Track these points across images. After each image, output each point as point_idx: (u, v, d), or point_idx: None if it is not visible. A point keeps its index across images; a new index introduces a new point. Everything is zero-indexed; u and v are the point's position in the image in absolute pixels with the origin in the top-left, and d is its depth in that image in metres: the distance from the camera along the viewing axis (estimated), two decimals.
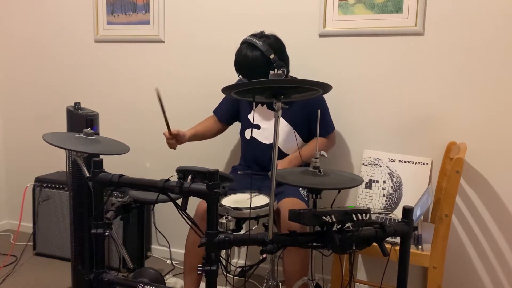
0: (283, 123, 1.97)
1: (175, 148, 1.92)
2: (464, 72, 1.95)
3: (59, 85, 2.75)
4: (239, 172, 2.04)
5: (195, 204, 1.78)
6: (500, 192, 1.96)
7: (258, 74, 1.78)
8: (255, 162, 2.03)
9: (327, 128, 2.01)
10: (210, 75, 2.38)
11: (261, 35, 1.87)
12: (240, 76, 1.89)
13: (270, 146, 1.98)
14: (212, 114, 2.15)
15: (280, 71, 1.29)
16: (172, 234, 2.57)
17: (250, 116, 2.04)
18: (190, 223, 1.34)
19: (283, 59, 1.88)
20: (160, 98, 1.61)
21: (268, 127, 1.99)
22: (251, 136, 2.02)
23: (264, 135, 1.99)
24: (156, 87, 1.62)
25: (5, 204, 3.02)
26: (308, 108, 1.95)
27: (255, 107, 2.03)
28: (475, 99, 1.95)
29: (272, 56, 1.81)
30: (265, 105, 2.01)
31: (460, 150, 1.67)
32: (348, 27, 2.08)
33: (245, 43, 1.86)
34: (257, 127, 2.00)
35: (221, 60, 2.35)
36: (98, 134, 2.07)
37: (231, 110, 2.10)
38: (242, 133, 2.09)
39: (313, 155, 1.38)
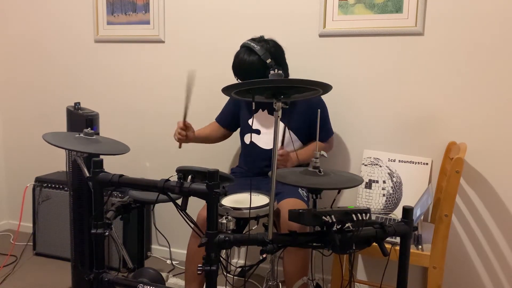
0: (281, 126, 1.96)
1: (180, 145, 1.92)
2: (464, 72, 1.95)
3: (59, 85, 2.75)
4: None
5: (195, 204, 1.78)
6: (500, 192, 1.96)
7: (254, 78, 1.79)
8: (253, 166, 2.03)
9: (327, 133, 2.02)
10: (210, 75, 2.38)
11: (260, 40, 1.89)
12: (238, 80, 1.91)
13: (268, 152, 1.98)
14: (214, 121, 2.16)
15: (280, 71, 1.28)
16: (172, 234, 2.57)
17: (250, 121, 2.04)
18: (190, 223, 1.34)
19: (281, 65, 1.89)
20: (191, 83, 1.58)
21: (268, 132, 1.99)
22: (251, 141, 2.03)
23: (263, 140, 1.99)
24: (193, 70, 1.60)
25: (5, 204, 3.02)
26: (308, 112, 1.95)
27: (256, 113, 2.03)
28: (475, 99, 1.95)
29: (269, 61, 1.83)
30: (266, 111, 2.01)
31: (460, 150, 1.67)
32: (348, 27, 2.08)
33: (244, 47, 1.88)
34: (257, 132, 2.01)
35: (221, 60, 2.35)
36: (98, 134, 2.07)
37: (231, 115, 2.11)
38: (242, 137, 2.09)
39: (313, 156, 1.38)
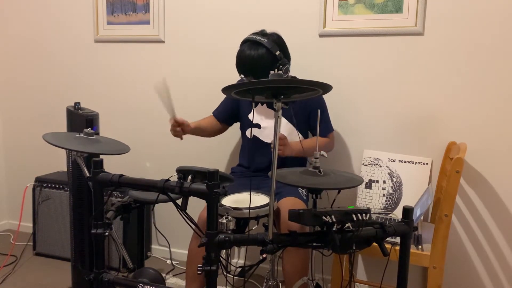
0: (284, 122, 1.96)
1: (181, 138, 1.89)
2: (464, 72, 1.95)
3: (59, 85, 2.75)
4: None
5: (195, 204, 1.78)
6: (500, 192, 1.96)
7: (265, 72, 1.75)
8: (256, 161, 2.03)
9: (326, 129, 2.00)
10: (210, 75, 2.38)
11: (263, 33, 1.84)
12: (242, 76, 1.86)
13: (270, 145, 1.98)
14: (211, 115, 2.15)
15: (280, 71, 1.29)
16: (172, 234, 2.57)
17: (251, 116, 2.03)
18: (190, 223, 1.34)
19: (287, 56, 1.86)
20: (166, 89, 1.60)
21: (269, 125, 1.98)
22: (253, 135, 2.01)
23: (265, 133, 1.99)
24: (163, 78, 1.62)
25: (5, 204, 3.02)
26: (308, 107, 1.95)
27: (255, 107, 2.02)
28: (475, 99, 1.95)
29: (278, 53, 1.78)
30: (265, 104, 2.01)
31: (460, 150, 1.67)
32: (348, 27, 2.08)
33: (248, 42, 1.81)
34: (258, 126, 2.00)
35: (221, 60, 2.35)
36: (98, 134, 2.07)
37: (230, 110, 2.10)
38: (243, 132, 2.09)
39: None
